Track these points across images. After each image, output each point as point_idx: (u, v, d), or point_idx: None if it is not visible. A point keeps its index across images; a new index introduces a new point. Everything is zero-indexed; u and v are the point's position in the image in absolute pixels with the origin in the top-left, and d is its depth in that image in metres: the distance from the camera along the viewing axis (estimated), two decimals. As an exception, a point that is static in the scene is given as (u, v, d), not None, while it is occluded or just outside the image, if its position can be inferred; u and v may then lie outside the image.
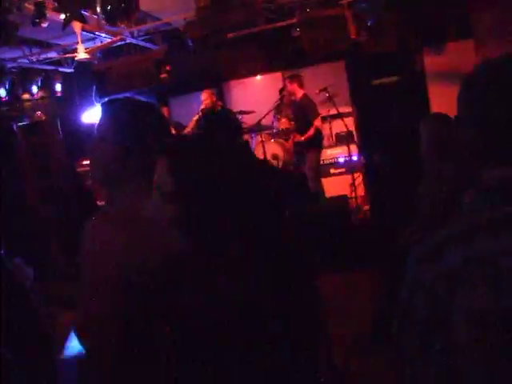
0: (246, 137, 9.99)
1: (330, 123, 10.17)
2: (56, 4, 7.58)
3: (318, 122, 9.28)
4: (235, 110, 9.92)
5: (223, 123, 3.96)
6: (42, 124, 11.04)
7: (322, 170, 9.71)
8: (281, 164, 9.82)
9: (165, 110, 10.67)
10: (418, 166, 4.08)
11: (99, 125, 2.25)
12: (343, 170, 9.92)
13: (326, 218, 7.67)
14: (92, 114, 11.25)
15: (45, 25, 7.89)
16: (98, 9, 8.00)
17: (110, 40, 9.85)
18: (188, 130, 9.58)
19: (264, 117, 10.02)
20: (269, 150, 9.83)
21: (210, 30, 10.27)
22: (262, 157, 9.71)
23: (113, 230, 2.05)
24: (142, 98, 2.31)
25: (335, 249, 7.00)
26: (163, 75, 11.07)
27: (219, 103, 9.70)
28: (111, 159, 2.15)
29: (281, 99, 10.18)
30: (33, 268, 3.39)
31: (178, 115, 10.86)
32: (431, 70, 8.57)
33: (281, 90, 10.29)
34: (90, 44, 10.13)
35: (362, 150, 8.77)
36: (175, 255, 1.81)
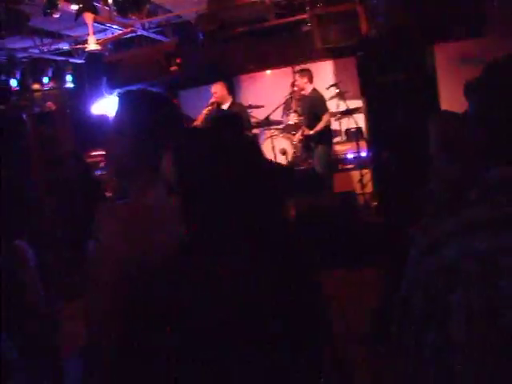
0: (254, 131, 9.99)
1: (339, 119, 10.15)
2: (68, -5, 7.62)
3: (327, 117, 9.26)
4: (245, 104, 9.92)
5: (231, 118, 3.95)
6: (52, 114, 11.05)
7: (332, 166, 9.69)
8: (289, 159, 9.81)
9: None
10: (426, 165, 4.06)
11: (116, 116, 2.23)
12: (352, 166, 9.89)
13: (334, 215, 7.66)
14: (102, 105, 11.27)
15: (56, 15, 7.91)
16: (110, 0, 8.01)
17: (121, 32, 9.87)
18: (197, 123, 9.58)
19: (273, 112, 10.01)
20: (277, 144, 9.82)
21: (220, 24, 10.29)
22: (270, 151, 9.72)
23: (118, 223, 2.04)
24: (158, 90, 2.29)
25: (341, 246, 6.99)
26: (173, 68, 11.07)
27: (230, 97, 9.68)
28: (127, 152, 2.13)
29: (290, 94, 10.16)
30: (36, 258, 3.40)
31: (188, 108, 10.86)
32: (442, 67, 8.54)
33: (291, 85, 10.27)
34: (101, 35, 10.16)
35: (370, 147, 8.74)
36: (176, 251, 1.81)
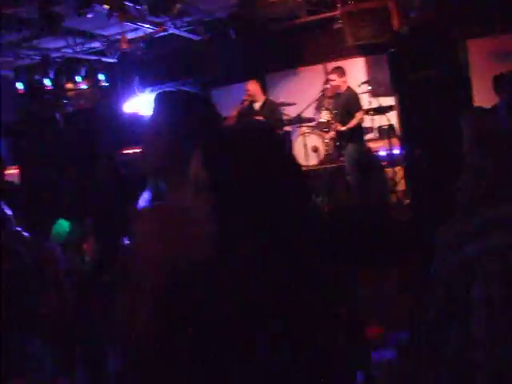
0: (286, 129, 9.97)
1: (372, 116, 10.08)
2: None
3: (360, 115, 9.21)
4: (277, 101, 9.91)
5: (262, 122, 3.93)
6: (85, 113, 11.20)
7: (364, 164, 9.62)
8: (321, 157, 9.78)
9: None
10: (459, 162, 4.01)
11: (153, 116, 2.24)
12: (385, 163, 9.82)
13: (365, 213, 7.62)
14: (134, 104, 11.36)
15: (89, 15, 7.99)
16: (141, -1, 8.07)
17: (152, 30, 9.92)
18: (228, 121, 9.59)
19: (305, 109, 9.98)
20: (309, 142, 9.79)
21: (252, 22, 10.29)
22: (302, 149, 9.69)
23: (153, 224, 2.05)
24: (193, 90, 2.30)
25: (373, 245, 6.94)
26: (205, 66, 11.13)
27: (263, 95, 9.68)
28: (162, 151, 2.15)
29: (322, 91, 10.11)
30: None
31: (220, 106, 10.86)
32: (475, 63, 8.45)
33: (324, 82, 10.22)
34: (133, 34, 10.21)
35: (403, 144, 8.66)
36: (207, 251, 1.81)
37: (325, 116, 9.80)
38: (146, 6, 8.41)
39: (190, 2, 9.03)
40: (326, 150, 9.80)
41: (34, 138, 10.39)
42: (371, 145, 9.98)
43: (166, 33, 10.15)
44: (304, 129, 10.05)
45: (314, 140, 9.87)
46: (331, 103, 9.69)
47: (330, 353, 1.78)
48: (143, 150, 2.31)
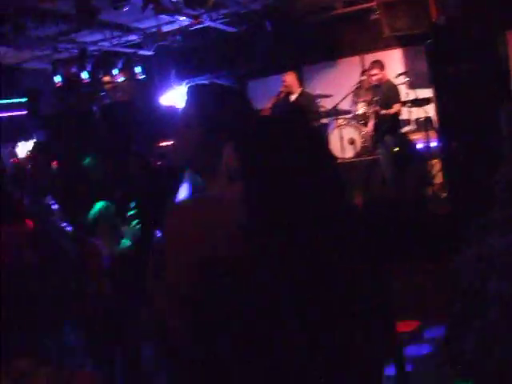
0: (323, 121, 9.92)
1: (409, 108, 9.97)
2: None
3: (398, 107, 9.15)
4: (313, 93, 9.86)
5: (296, 109, 3.92)
6: (122, 105, 11.28)
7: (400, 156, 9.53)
8: (358, 149, 9.71)
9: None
10: (496, 154, 3.95)
11: (185, 109, 2.24)
12: (422, 156, 9.70)
13: (401, 206, 7.56)
14: (170, 97, 11.41)
15: (126, 8, 8.04)
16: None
17: (188, 23, 9.94)
18: (263, 113, 9.57)
19: (341, 101, 9.91)
20: (345, 134, 9.73)
21: (288, 14, 10.25)
22: (338, 141, 9.64)
23: (189, 215, 2.04)
24: (219, 81, 2.29)
25: (409, 238, 6.88)
26: (241, 58, 11.12)
27: (299, 86, 9.64)
28: (195, 144, 2.15)
29: (359, 83, 10.04)
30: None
31: (257, 99, 10.86)
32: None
33: (361, 74, 10.14)
34: (170, 27, 10.25)
35: (440, 137, 8.55)
36: (242, 240, 1.80)
37: (361, 108, 9.74)
38: (181, -1, 8.44)
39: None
40: (363, 142, 9.72)
41: (72, 131, 10.52)
42: (409, 137, 9.88)
43: (201, 25, 10.16)
44: (340, 121, 9.99)
45: (350, 132, 9.80)
46: (369, 95, 9.61)
47: (359, 347, 1.77)
48: (175, 143, 2.32)
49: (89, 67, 10.55)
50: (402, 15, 9.28)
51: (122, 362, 4.35)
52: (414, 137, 9.82)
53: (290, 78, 9.45)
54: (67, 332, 2.44)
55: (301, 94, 9.48)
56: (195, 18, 9.56)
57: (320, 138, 2.27)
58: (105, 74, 11.20)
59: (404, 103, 9.38)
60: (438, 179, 8.97)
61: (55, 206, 3.47)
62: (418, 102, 9.24)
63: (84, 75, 10.57)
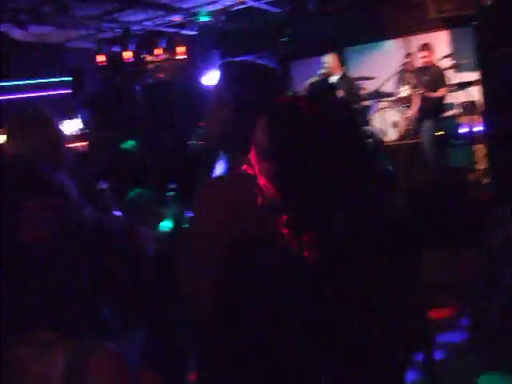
0: (365, 103, 9.82)
1: (454, 92, 9.80)
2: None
3: (443, 91, 9.03)
4: (356, 75, 9.76)
5: (331, 89, 3.87)
6: (164, 85, 11.31)
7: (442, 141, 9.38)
8: (401, 132, 9.60)
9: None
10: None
11: (216, 87, 2.22)
12: (465, 141, 9.55)
13: (443, 191, 7.46)
14: (213, 77, 11.40)
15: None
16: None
17: (232, 3, 9.90)
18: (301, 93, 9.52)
19: (384, 83, 9.79)
20: (388, 117, 9.63)
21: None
22: (381, 124, 9.54)
23: (219, 194, 2.03)
24: (260, 61, 2.26)
25: (450, 224, 6.79)
26: (284, 39, 11.05)
27: (341, 68, 9.56)
28: (225, 121, 2.13)
29: (404, 65, 9.90)
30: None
31: (299, 80, 10.78)
32: None
33: (406, 57, 9.99)
34: (213, 7, 10.22)
35: (486, 121, 8.39)
36: (268, 222, 1.79)
37: (405, 91, 9.60)
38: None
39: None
40: (406, 126, 9.60)
41: (114, 110, 10.59)
42: (453, 121, 9.73)
43: (245, 5, 10.12)
44: (383, 103, 9.88)
45: (393, 115, 9.71)
46: (413, 78, 9.47)
47: (376, 341, 1.75)
48: (206, 121, 2.30)
49: (132, 47, 10.61)
50: (448, -4, 9.12)
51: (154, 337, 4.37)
52: (458, 121, 9.67)
53: (331, 60, 9.39)
54: (103, 310, 2.45)
55: (342, 76, 9.40)
56: (238, -2, 9.53)
57: (354, 119, 2.24)
58: (148, 54, 11.24)
59: (449, 87, 9.23)
60: (481, 164, 8.82)
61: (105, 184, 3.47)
62: (463, 86, 9.09)
63: (127, 55, 10.63)
